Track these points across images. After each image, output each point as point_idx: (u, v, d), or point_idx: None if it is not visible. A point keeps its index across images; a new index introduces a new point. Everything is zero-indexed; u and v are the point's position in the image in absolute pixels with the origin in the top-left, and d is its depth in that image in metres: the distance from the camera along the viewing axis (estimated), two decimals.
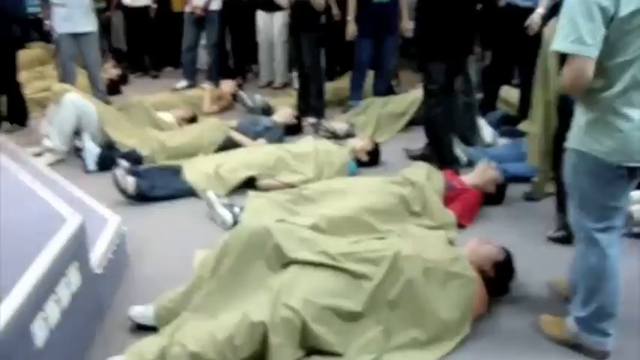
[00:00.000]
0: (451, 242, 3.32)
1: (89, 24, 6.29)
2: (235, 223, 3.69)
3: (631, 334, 2.72)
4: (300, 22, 5.97)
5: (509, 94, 6.18)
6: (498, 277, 2.98)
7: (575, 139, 2.41)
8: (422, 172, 3.92)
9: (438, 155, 4.75)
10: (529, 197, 4.28)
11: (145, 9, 8.37)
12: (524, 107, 5.69)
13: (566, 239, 3.55)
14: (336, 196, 3.76)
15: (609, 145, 2.28)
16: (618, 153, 2.28)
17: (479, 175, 4.13)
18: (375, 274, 2.71)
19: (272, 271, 2.72)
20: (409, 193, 3.75)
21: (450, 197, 3.89)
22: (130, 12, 8.43)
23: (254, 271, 2.70)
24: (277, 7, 7.12)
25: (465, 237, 3.61)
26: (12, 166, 3.57)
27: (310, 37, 5.91)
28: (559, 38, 2.20)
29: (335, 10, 6.62)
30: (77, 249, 2.52)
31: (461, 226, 3.80)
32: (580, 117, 2.38)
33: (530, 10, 5.21)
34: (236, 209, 3.76)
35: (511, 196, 4.27)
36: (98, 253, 2.85)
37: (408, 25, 6.34)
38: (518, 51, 5.43)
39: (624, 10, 2.12)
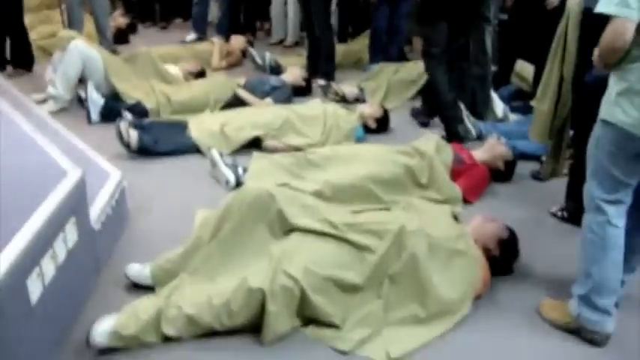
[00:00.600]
0: (456, 217, 3.25)
1: None
2: (238, 184, 3.63)
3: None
4: None
5: (524, 68, 6.05)
6: (502, 257, 2.93)
7: (605, 109, 2.41)
8: (431, 143, 3.83)
9: (445, 126, 4.69)
10: (536, 176, 4.19)
11: None
12: (538, 82, 5.61)
13: (566, 220, 3.55)
14: (342, 163, 3.68)
15: (636, 116, 2.29)
16: None
17: (488, 150, 4.05)
18: (379, 247, 2.65)
19: (273, 237, 2.67)
20: (416, 164, 3.67)
21: (458, 171, 3.80)
22: None
23: (255, 235, 2.65)
24: None
25: (470, 213, 3.54)
26: (13, 113, 3.49)
27: None
28: (603, 1, 2.23)
29: None
30: (76, 204, 2.47)
31: (467, 201, 3.72)
32: (612, 87, 2.38)
33: None
34: (240, 170, 3.70)
35: (519, 174, 4.19)
36: (97, 209, 2.80)
37: None
38: (537, 24, 5.29)
39: None
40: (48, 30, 6.78)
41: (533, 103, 5.26)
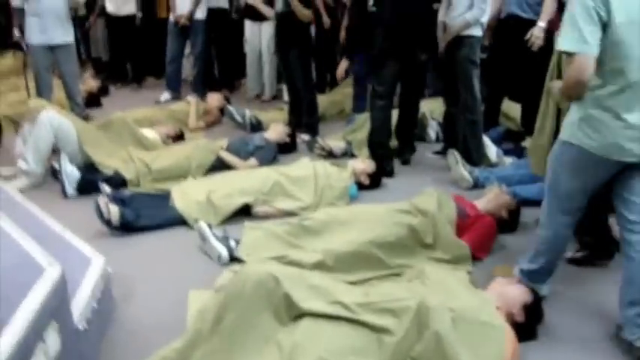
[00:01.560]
0: (473, 283, 3.03)
1: (65, 35, 5.96)
2: (232, 258, 3.37)
3: None
4: (287, 35, 5.66)
5: (510, 107, 5.95)
6: (527, 322, 2.71)
7: (567, 132, 2.69)
8: (432, 199, 3.62)
9: (376, 163, 4.72)
10: None
11: (130, 18, 7.97)
12: (527, 122, 5.49)
13: (587, 260, 3.46)
14: (341, 228, 3.45)
15: (598, 139, 2.56)
16: (607, 147, 2.55)
17: (492, 200, 3.85)
18: (397, 327, 2.39)
19: (281, 325, 2.40)
20: (419, 224, 3.46)
21: (463, 226, 3.59)
22: (114, 20, 8.04)
23: (261, 325, 2.37)
24: (265, 17, 6.77)
25: (480, 270, 3.39)
26: None
27: (299, 50, 5.60)
28: (563, 39, 2.48)
29: (325, 18, 6.33)
30: (56, 306, 2.17)
31: (476, 258, 3.51)
32: (574, 112, 2.65)
33: (532, 22, 4.99)
34: (232, 242, 3.43)
35: (524, 222, 4.00)
36: (81, 304, 2.50)
37: None
38: (521, 63, 5.19)
39: (616, 19, 2.40)
40: (17, 97, 6.50)
41: (526, 144, 5.20)
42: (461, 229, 3.57)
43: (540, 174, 3.77)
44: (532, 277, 3.02)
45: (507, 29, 5.33)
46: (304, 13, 5.47)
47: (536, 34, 4.87)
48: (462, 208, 3.67)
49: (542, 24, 4.89)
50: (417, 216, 3.51)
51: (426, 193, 3.74)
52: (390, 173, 4.91)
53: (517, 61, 5.22)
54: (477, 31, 4.74)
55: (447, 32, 4.82)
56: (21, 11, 5.85)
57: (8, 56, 7.60)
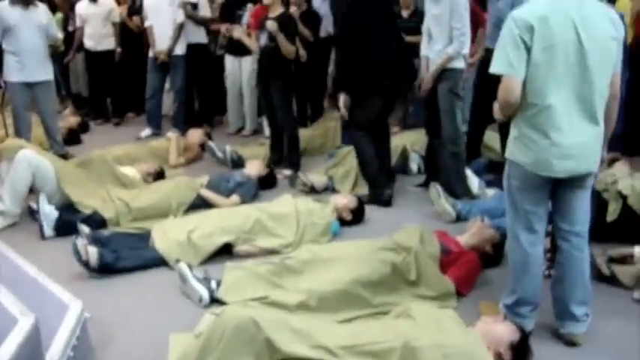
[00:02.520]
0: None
1: (44, 72, 5.96)
2: (213, 299, 3.31)
3: None
4: (269, 70, 5.66)
5: (490, 138, 5.95)
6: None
7: (508, 150, 2.91)
8: (415, 236, 3.59)
9: (371, 194, 4.88)
10: None
11: (108, 53, 7.95)
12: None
13: None
14: (323, 267, 3.41)
15: (530, 156, 2.78)
16: (537, 164, 2.76)
17: (475, 235, 3.82)
18: None
19: None
20: (402, 261, 3.43)
21: (446, 262, 3.56)
22: (93, 56, 8.00)
23: None
24: (246, 52, 6.76)
25: (465, 305, 3.38)
26: None
27: (281, 85, 5.60)
28: (494, 63, 2.75)
29: (301, 51, 6.33)
30: (29, 358, 2.11)
31: (460, 294, 3.48)
32: (512, 131, 2.88)
33: None
34: (213, 283, 3.37)
35: (507, 254, 3.95)
36: (56, 354, 2.43)
37: None
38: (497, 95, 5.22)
39: (536, 44, 2.65)
40: None
41: None
42: (444, 265, 3.54)
43: None
44: (515, 311, 3.03)
45: (485, 62, 5.37)
46: (290, 49, 5.48)
47: None
48: (445, 245, 3.64)
49: None
50: (400, 253, 3.48)
51: (409, 229, 3.72)
52: (387, 202, 4.97)
53: (494, 93, 5.23)
54: (458, 64, 4.76)
55: (430, 68, 4.84)
56: None
57: None
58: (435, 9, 4.80)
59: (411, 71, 5.13)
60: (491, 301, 3.35)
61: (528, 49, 2.66)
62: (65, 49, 7.68)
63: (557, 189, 2.89)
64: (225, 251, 3.90)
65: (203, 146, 6.29)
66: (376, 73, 4.76)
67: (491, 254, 3.82)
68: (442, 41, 4.77)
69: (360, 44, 4.72)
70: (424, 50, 5.00)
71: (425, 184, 5.23)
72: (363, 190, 5.13)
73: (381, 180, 4.99)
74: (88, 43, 7.95)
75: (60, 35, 6.44)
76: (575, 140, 2.73)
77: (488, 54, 5.29)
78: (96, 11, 7.82)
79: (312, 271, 3.38)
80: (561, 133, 2.71)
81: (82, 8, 7.89)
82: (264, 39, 5.68)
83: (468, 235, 3.83)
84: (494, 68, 2.74)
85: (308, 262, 3.43)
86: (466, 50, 4.80)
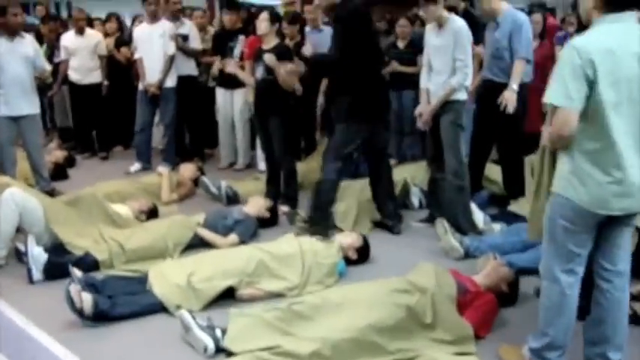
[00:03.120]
0: None
1: (30, 106, 5.77)
2: (218, 349, 3.10)
3: None
4: (267, 104, 5.48)
5: (491, 170, 5.83)
6: None
7: (558, 184, 2.74)
8: (430, 275, 3.44)
9: (312, 223, 4.67)
10: None
11: (95, 86, 7.76)
12: (510, 186, 5.38)
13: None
14: (334, 311, 3.24)
15: (586, 193, 2.63)
16: (594, 201, 2.63)
17: (490, 274, 3.67)
18: None
19: None
20: (418, 303, 3.27)
21: (463, 302, 3.40)
22: (78, 89, 7.81)
23: None
24: (237, 84, 6.61)
25: (482, 348, 3.23)
26: None
27: (280, 120, 5.43)
28: (550, 93, 2.62)
29: (297, 85, 6.19)
30: None
31: (478, 336, 3.30)
32: (564, 165, 2.71)
33: (504, 85, 4.98)
34: (217, 332, 3.15)
35: (522, 293, 3.80)
36: None
37: None
38: (496, 127, 5.12)
39: (605, 81, 2.52)
40: None
41: (513, 208, 5.07)
42: (461, 306, 3.39)
43: (538, 239, 3.67)
44: (543, 356, 2.88)
45: (483, 93, 5.30)
46: (289, 82, 5.33)
47: (506, 97, 4.87)
48: (461, 284, 3.49)
49: (514, 86, 4.89)
50: (415, 294, 3.33)
51: (422, 268, 3.58)
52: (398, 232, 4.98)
53: (493, 124, 5.14)
54: (461, 95, 4.69)
55: (431, 100, 4.75)
56: None
57: None
58: (437, 40, 4.73)
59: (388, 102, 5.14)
60: (511, 345, 3.17)
61: (590, 82, 2.54)
62: (51, 81, 7.49)
63: (603, 227, 2.76)
64: (228, 295, 3.70)
65: (196, 181, 6.11)
66: (367, 101, 4.70)
67: (507, 293, 3.67)
68: (445, 73, 4.70)
69: (356, 69, 4.66)
70: (424, 82, 4.90)
71: (428, 220, 5.08)
72: (365, 226, 4.97)
73: (389, 211, 5.00)
74: (74, 77, 7.78)
75: (48, 67, 6.24)
76: (635, 178, 2.63)
77: (485, 84, 5.23)
78: (82, 44, 7.68)
79: (323, 317, 3.20)
80: (623, 171, 2.60)
81: (68, 40, 7.73)
82: (260, 71, 5.52)
83: (483, 275, 3.68)
84: (550, 99, 2.61)
85: (318, 307, 3.25)
86: (468, 82, 4.72)
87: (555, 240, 2.78)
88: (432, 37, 4.80)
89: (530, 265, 4.05)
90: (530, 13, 6.56)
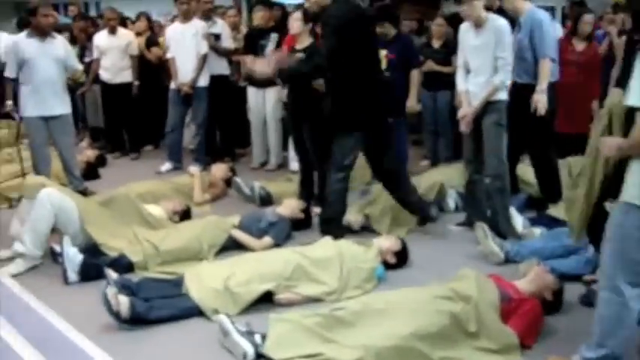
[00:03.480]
0: None
1: (62, 106, 5.74)
2: (257, 355, 3.04)
3: None
4: (302, 105, 5.38)
5: (525, 172, 5.69)
6: None
7: (633, 193, 2.56)
8: (472, 283, 3.35)
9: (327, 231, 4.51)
10: (586, 301, 3.68)
11: (126, 86, 7.76)
12: (546, 189, 5.26)
13: None
14: (377, 318, 3.16)
15: None
16: None
17: (533, 280, 3.55)
18: None
19: None
20: (462, 311, 3.19)
21: (506, 310, 3.30)
22: (109, 89, 7.83)
23: None
24: (269, 83, 6.54)
25: (528, 358, 3.13)
26: None
27: (313, 122, 5.30)
28: (632, 95, 2.47)
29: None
30: None
31: (524, 346, 3.21)
32: (637, 174, 2.55)
33: (528, 86, 4.86)
34: (257, 338, 3.09)
35: (566, 301, 3.67)
36: None
37: (416, 106, 6.14)
38: (525, 129, 4.97)
39: None
40: (13, 169, 6.16)
41: (551, 211, 4.93)
42: (504, 314, 3.29)
43: (581, 244, 3.61)
44: None
45: (513, 95, 5.11)
46: (321, 83, 5.24)
47: (535, 99, 4.77)
48: (504, 291, 3.39)
49: (543, 86, 4.79)
50: (458, 302, 3.24)
51: (464, 276, 3.49)
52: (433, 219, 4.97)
53: (521, 126, 4.96)
54: (503, 95, 4.57)
55: (472, 101, 4.63)
56: (14, 81, 5.61)
57: (3, 127, 7.35)
58: (477, 40, 4.61)
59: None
60: (559, 356, 3.06)
61: None
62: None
63: None
64: (265, 299, 3.63)
65: (228, 182, 6.07)
66: (357, 110, 4.53)
67: (551, 301, 3.55)
68: (485, 73, 4.58)
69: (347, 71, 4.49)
70: (462, 84, 4.77)
71: (466, 223, 4.97)
72: (401, 229, 4.88)
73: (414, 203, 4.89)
74: (105, 76, 7.79)
75: (79, 67, 6.23)
76: None
77: (514, 87, 5.06)
78: (114, 43, 7.68)
79: (364, 324, 3.12)
80: None
81: (100, 40, 7.75)
82: None
83: (527, 281, 3.56)
84: (633, 100, 2.49)
85: (360, 314, 3.17)
86: (509, 81, 4.60)
87: (624, 251, 2.65)
88: (469, 37, 4.67)
89: (572, 271, 3.98)
90: (579, 14, 6.33)
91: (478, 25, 4.58)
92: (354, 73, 4.49)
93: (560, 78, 5.20)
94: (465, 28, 4.75)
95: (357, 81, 4.50)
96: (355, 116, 4.52)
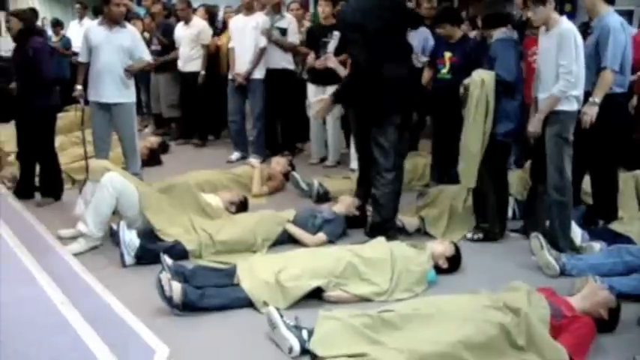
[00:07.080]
0: None
1: (120, 94, 5.61)
2: (303, 350, 3.07)
3: None
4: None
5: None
6: None
7: None
8: (523, 296, 3.30)
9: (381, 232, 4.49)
10: None
11: (193, 75, 7.93)
12: (600, 205, 5.08)
13: None
14: (424, 323, 3.14)
15: None
16: None
17: (588, 297, 3.46)
18: None
19: None
20: (511, 323, 3.13)
21: (557, 326, 3.24)
22: (180, 76, 8.04)
23: None
24: (330, 81, 6.48)
25: None
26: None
27: None
28: None
29: None
30: None
31: None
32: None
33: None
34: (304, 333, 3.12)
35: (623, 320, 3.56)
36: None
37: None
38: (590, 140, 4.70)
39: None
40: (79, 152, 6.32)
41: (616, 227, 4.77)
42: (554, 329, 3.23)
43: None
44: None
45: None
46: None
47: (584, 110, 4.51)
48: (556, 307, 3.32)
49: (596, 99, 4.52)
50: (508, 314, 3.19)
51: (516, 288, 3.45)
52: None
53: (586, 137, 4.75)
54: (568, 106, 4.37)
55: (538, 109, 4.51)
56: (85, 65, 5.74)
57: (72, 110, 7.57)
58: (546, 42, 4.45)
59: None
60: None
61: None
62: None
63: None
64: (314, 295, 3.66)
65: (286, 176, 6.12)
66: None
67: (606, 320, 3.46)
68: (550, 81, 4.41)
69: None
70: (533, 91, 4.65)
71: (522, 231, 4.88)
72: (456, 234, 4.83)
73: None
74: (178, 64, 8.00)
75: (147, 57, 6.20)
76: None
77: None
78: (186, 32, 7.87)
79: (411, 328, 3.11)
80: None
81: (177, 30, 8.00)
82: None
83: (581, 297, 3.48)
84: None
85: (408, 317, 3.16)
86: (577, 92, 4.39)
87: None
88: (543, 38, 4.51)
89: (632, 291, 3.85)
90: None
91: (548, 28, 4.46)
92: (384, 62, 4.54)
93: None
94: (541, 30, 4.57)
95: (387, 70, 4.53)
96: (391, 102, 4.55)
